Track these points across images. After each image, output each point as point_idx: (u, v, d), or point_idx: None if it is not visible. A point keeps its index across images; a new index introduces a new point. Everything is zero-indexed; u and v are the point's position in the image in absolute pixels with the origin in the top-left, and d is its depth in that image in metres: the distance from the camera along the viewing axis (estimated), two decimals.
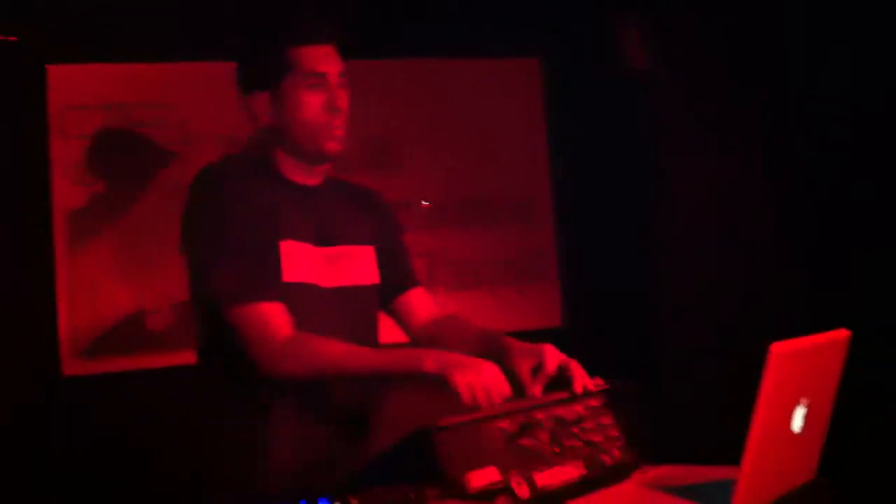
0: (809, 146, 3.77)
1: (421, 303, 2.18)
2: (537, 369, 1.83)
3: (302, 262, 1.92)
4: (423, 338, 2.13)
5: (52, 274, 3.46)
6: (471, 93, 4.11)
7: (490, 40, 4.05)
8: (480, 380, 1.68)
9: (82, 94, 3.61)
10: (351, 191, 2.15)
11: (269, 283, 1.85)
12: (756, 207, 3.89)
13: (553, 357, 1.83)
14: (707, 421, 3.36)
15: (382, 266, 2.11)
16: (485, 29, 4.01)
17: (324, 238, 1.99)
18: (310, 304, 1.90)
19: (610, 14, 3.99)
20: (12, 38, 3.41)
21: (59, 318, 3.44)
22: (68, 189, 3.55)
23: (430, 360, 1.72)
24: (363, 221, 2.11)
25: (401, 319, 2.18)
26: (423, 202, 4.04)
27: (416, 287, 2.19)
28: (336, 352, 1.81)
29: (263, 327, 1.81)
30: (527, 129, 4.21)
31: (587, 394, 1.81)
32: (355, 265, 2.04)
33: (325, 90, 1.93)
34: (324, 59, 1.94)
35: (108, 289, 3.52)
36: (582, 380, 1.81)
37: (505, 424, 1.62)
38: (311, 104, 1.92)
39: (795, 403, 1.48)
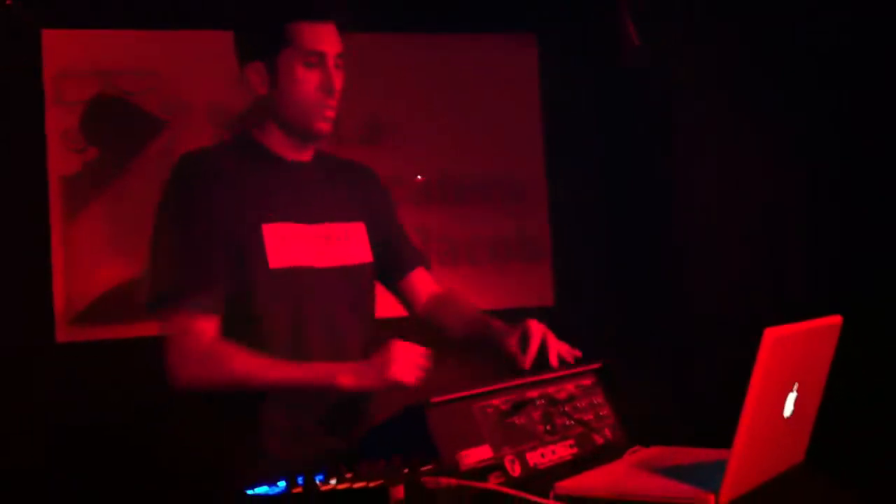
0: (799, 132, 3.76)
1: (422, 282, 2.20)
2: (524, 341, 1.86)
3: (292, 244, 1.90)
4: (423, 316, 2.17)
5: (47, 240, 3.45)
6: (466, 68, 4.10)
7: (486, 15, 4.03)
8: (406, 364, 1.71)
9: (77, 60, 3.60)
10: (341, 166, 2.13)
11: (205, 291, 1.82)
12: (750, 184, 3.88)
13: (537, 327, 1.87)
14: (699, 402, 3.38)
15: (380, 245, 2.11)
16: (481, 3, 3.99)
17: (315, 216, 1.97)
18: (304, 288, 1.89)
19: None
20: (8, 2, 3.39)
21: (55, 284, 3.44)
22: (62, 156, 3.54)
23: (345, 376, 1.74)
24: (354, 198, 2.09)
25: (405, 299, 2.20)
26: (418, 176, 4.03)
27: (418, 266, 2.20)
28: (248, 367, 1.80)
29: (182, 337, 1.81)
30: (522, 107, 4.21)
31: (578, 373, 1.81)
32: (348, 243, 2.03)
33: (321, 69, 1.91)
34: (324, 38, 1.91)
35: (102, 257, 3.53)
36: (556, 349, 1.84)
37: (497, 402, 1.63)
38: (307, 82, 1.90)
39: (788, 388, 1.49)
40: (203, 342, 1.81)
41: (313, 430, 1.88)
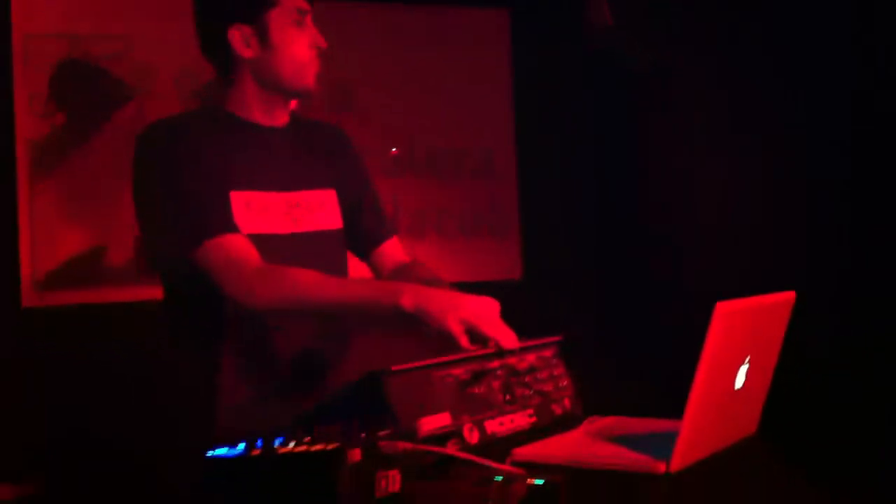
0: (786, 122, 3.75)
1: (392, 251, 2.20)
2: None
3: (256, 211, 1.91)
4: None
5: (13, 205, 3.43)
6: (439, 41, 4.10)
7: None
8: (476, 314, 1.69)
9: (46, 22, 3.55)
10: (315, 130, 2.14)
11: (227, 220, 1.84)
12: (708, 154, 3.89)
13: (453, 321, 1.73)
14: (656, 374, 3.42)
15: (352, 212, 2.11)
16: None
17: (285, 183, 1.98)
18: (269, 255, 1.88)
19: None
20: None
21: (21, 249, 3.42)
22: (30, 119, 3.50)
23: (409, 296, 1.70)
24: (327, 164, 2.10)
25: (375, 268, 2.21)
26: (393, 149, 4.03)
27: (391, 237, 2.20)
28: (311, 280, 1.79)
29: (232, 258, 1.80)
30: (493, 81, 4.21)
31: (540, 345, 1.84)
32: (318, 210, 2.03)
33: (308, 27, 1.96)
34: None
35: (69, 222, 3.50)
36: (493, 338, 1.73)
37: (458, 372, 1.65)
38: (298, 40, 1.94)
39: (739, 361, 1.52)
40: (254, 257, 1.81)
41: (271, 398, 1.89)
